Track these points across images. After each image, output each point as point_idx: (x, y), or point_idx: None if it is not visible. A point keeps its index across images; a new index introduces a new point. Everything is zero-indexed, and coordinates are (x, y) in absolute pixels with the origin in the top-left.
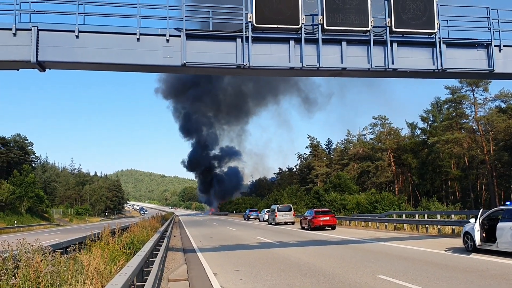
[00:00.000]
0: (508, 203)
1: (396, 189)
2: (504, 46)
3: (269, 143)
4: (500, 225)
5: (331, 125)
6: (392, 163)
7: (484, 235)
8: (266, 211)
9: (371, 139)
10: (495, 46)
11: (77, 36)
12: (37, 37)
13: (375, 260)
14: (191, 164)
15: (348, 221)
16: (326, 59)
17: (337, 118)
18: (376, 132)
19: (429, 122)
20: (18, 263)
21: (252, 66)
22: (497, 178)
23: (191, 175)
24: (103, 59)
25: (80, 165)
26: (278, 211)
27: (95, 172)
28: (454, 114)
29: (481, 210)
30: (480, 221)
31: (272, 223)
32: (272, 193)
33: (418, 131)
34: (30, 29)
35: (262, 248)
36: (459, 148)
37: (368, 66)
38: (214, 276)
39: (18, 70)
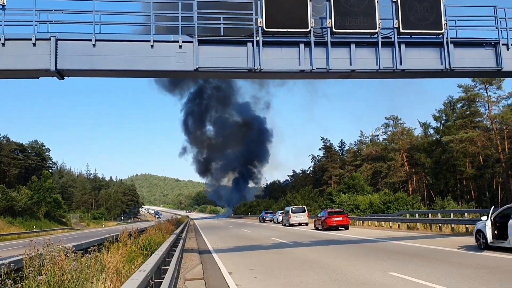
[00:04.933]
0: None
1: (410, 189)
2: None
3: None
4: (511, 222)
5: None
6: (405, 163)
7: (496, 232)
8: (280, 213)
9: (384, 139)
10: (503, 44)
11: (94, 45)
12: (56, 46)
13: (387, 258)
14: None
15: (361, 221)
16: (335, 62)
17: (350, 117)
18: (389, 133)
19: (442, 121)
20: (44, 261)
21: (263, 69)
22: None
23: (205, 180)
24: (119, 66)
25: (95, 170)
26: (292, 212)
27: (110, 177)
28: (467, 112)
29: (492, 208)
30: (492, 218)
31: (286, 225)
32: (286, 196)
33: (431, 131)
34: (49, 39)
35: (276, 248)
36: (474, 146)
37: (376, 68)
38: (229, 275)
39: (37, 78)
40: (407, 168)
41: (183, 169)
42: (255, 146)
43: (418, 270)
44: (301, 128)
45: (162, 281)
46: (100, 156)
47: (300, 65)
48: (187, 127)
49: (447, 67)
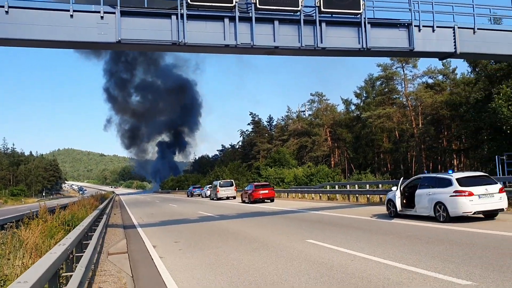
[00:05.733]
0: (425, 171)
1: (332, 162)
2: (423, 26)
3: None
4: (418, 192)
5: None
6: (329, 138)
7: (404, 201)
8: (209, 187)
9: (309, 115)
10: (415, 26)
11: (6, 12)
12: None
13: (307, 228)
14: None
15: (286, 194)
16: (260, 38)
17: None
18: (314, 109)
19: (363, 98)
20: None
21: (187, 43)
22: (425, 150)
23: (131, 154)
24: (35, 35)
25: (13, 144)
26: (220, 186)
27: (30, 152)
28: (386, 90)
29: (401, 179)
30: (401, 189)
31: (214, 199)
32: (214, 170)
33: (353, 107)
34: None
35: (202, 222)
36: (390, 122)
37: (298, 45)
38: (154, 248)
39: None
40: (330, 142)
41: (108, 144)
42: (185, 111)
43: (333, 237)
44: (231, 101)
45: (82, 255)
46: (19, 130)
47: (225, 39)
48: (109, 93)
49: (364, 46)
